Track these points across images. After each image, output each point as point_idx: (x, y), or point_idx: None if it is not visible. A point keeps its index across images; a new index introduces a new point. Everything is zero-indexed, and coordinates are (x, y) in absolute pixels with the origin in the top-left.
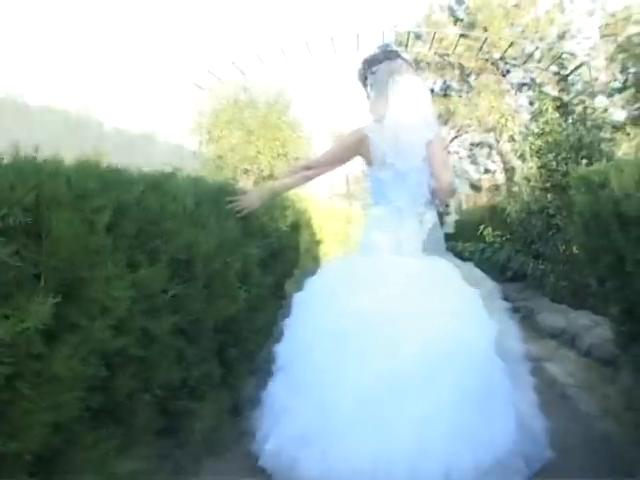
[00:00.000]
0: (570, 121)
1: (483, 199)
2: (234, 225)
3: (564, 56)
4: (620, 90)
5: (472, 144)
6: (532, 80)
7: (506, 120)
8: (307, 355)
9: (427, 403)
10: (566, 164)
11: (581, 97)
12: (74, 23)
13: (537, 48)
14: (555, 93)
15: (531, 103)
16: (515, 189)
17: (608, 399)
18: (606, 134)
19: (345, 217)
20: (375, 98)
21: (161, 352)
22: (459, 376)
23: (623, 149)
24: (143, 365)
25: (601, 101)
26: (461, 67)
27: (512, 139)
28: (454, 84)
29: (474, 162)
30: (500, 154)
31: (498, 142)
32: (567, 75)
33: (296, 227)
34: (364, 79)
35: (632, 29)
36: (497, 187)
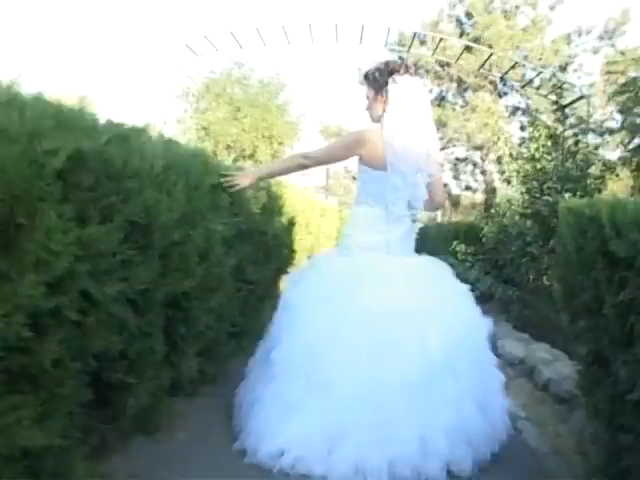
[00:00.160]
0: (560, 152)
1: (459, 215)
2: (202, 197)
3: (565, 86)
4: (617, 130)
5: (458, 159)
6: (527, 106)
7: (497, 139)
8: (310, 359)
9: (429, 402)
10: (549, 194)
11: (575, 130)
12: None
13: (540, 73)
14: (550, 122)
15: (522, 128)
16: (494, 210)
17: (559, 437)
18: (596, 171)
19: (320, 209)
20: (376, 100)
21: (101, 320)
22: (460, 374)
23: (610, 188)
24: (77, 330)
25: (593, 138)
26: (459, 81)
27: (499, 161)
28: (450, 96)
29: (456, 177)
30: (484, 173)
31: (484, 161)
32: (566, 105)
33: (268, 210)
34: (378, 83)
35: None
36: (474, 206)
